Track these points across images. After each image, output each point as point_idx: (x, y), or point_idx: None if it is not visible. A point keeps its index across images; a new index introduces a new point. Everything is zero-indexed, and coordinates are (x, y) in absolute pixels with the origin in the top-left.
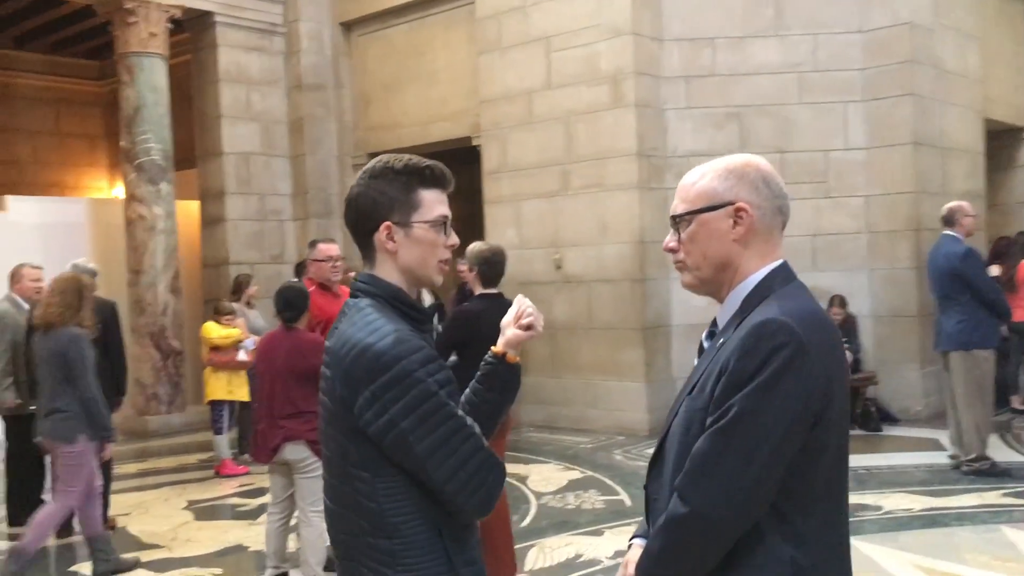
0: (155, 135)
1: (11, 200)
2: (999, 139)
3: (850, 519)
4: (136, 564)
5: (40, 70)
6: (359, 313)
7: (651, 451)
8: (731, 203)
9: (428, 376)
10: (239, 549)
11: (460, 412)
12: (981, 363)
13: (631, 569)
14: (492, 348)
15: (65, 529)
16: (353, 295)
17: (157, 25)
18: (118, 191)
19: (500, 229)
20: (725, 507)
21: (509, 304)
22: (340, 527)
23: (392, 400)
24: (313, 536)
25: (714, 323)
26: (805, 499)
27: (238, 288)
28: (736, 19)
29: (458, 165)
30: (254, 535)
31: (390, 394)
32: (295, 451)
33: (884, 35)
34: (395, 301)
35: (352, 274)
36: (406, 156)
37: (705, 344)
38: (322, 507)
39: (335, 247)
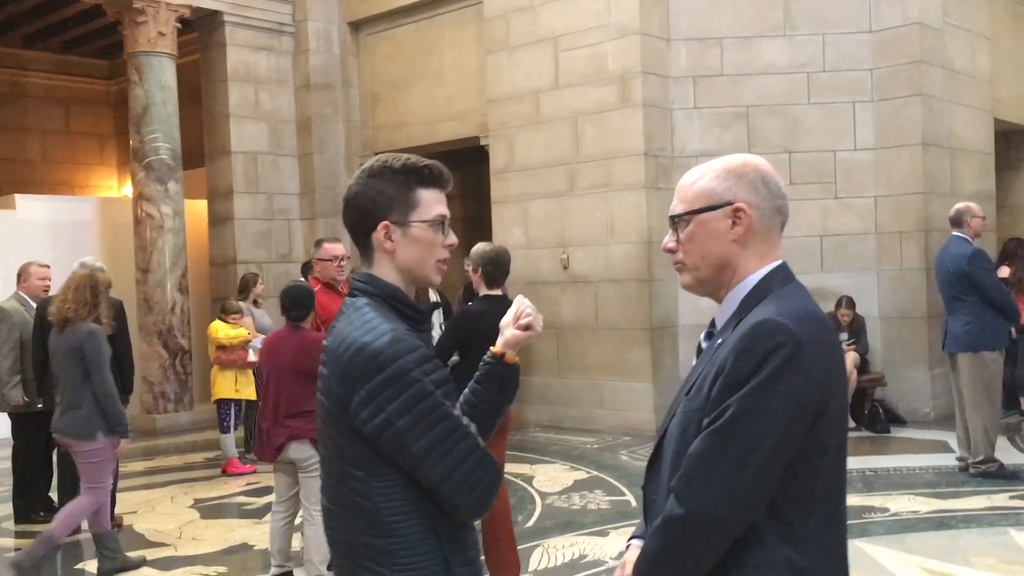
0: (164, 134)
1: (20, 199)
2: (1009, 140)
3: (857, 521)
4: (142, 562)
5: (50, 69)
6: (356, 312)
7: None
8: (730, 203)
9: (424, 375)
10: (245, 548)
11: (456, 412)
12: (989, 365)
13: (629, 569)
14: (491, 348)
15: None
16: (351, 294)
17: (166, 25)
18: (127, 190)
19: (507, 229)
20: (721, 508)
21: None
22: (337, 526)
23: (388, 399)
24: (317, 535)
25: (712, 323)
26: (805, 499)
27: (245, 287)
28: (744, 19)
29: (465, 165)
30: (260, 534)
31: (386, 393)
32: (300, 450)
33: (893, 35)
34: (393, 300)
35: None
36: (404, 155)
37: (703, 344)
38: None
39: (340, 246)
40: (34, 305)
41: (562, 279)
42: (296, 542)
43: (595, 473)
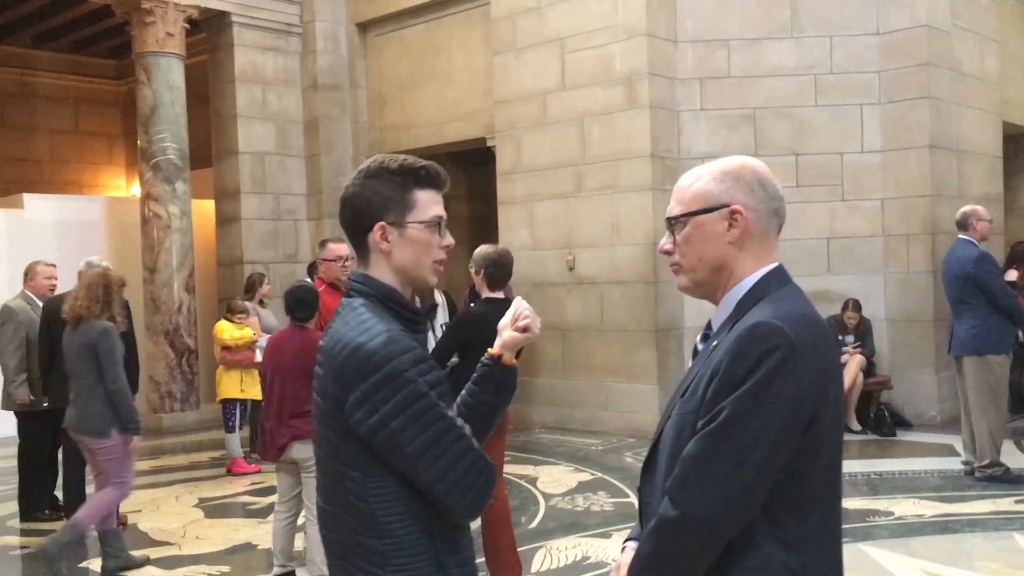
0: (171, 134)
1: (28, 198)
2: (1017, 143)
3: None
4: (146, 561)
5: (59, 69)
6: (352, 312)
7: None
8: (726, 205)
9: (419, 376)
10: (248, 547)
11: (451, 413)
12: (995, 368)
13: (623, 572)
14: (488, 350)
15: None
16: (347, 294)
17: (174, 25)
18: (135, 190)
19: (513, 230)
20: (715, 510)
21: None
22: (332, 526)
23: (382, 400)
24: (320, 535)
25: (709, 326)
26: (801, 502)
27: (251, 287)
28: (751, 20)
29: (472, 165)
30: (263, 533)
31: (380, 394)
32: (303, 450)
33: (901, 37)
34: (388, 301)
35: None
36: (401, 156)
37: (699, 346)
38: None
39: (345, 247)
40: (40, 304)
41: (568, 280)
42: (299, 542)
43: (599, 475)
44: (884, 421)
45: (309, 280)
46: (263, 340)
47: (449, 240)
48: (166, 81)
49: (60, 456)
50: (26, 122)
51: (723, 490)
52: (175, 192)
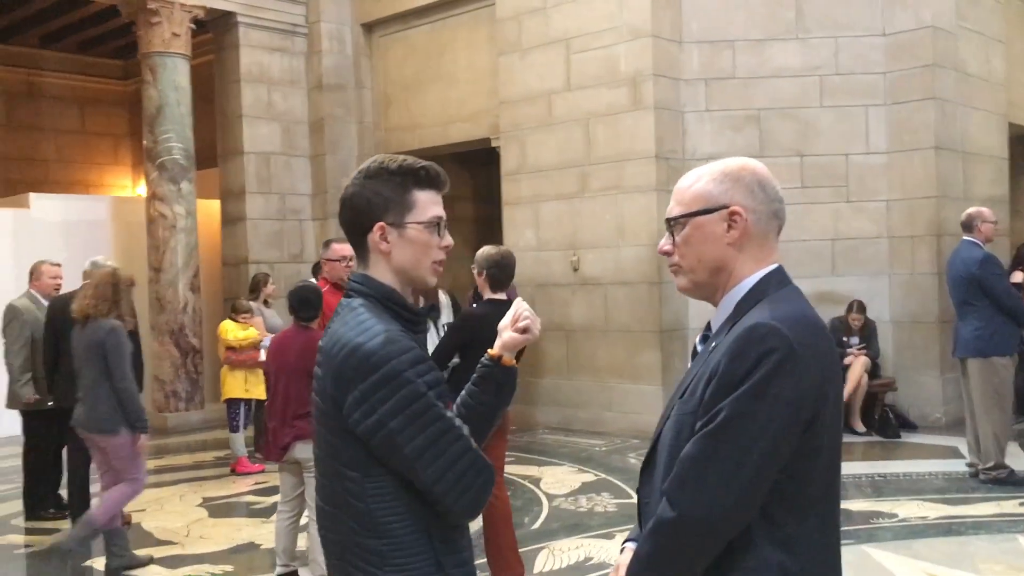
0: (177, 134)
1: (35, 198)
2: (1023, 144)
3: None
4: (149, 560)
5: (65, 69)
6: (351, 313)
7: None
8: (726, 207)
9: (417, 377)
10: (252, 547)
11: (449, 414)
12: (999, 370)
13: (622, 573)
14: (488, 351)
15: None
16: (347, 295)
17: (180, 25)
18: (141, 189)
19: (518, 230)
20: (713, 511)
21: None
22: (331, 526)
23: (381, 400)
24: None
25: (708, 327)
26: (799, 503)
27: (256, 287)
28: (756, 21)
29: (477, 166)
30: (267, 533)
31: (379, 394)
32: (305, 450)
33: (906, 38)
34: (388, 302)
35: None
36: (401, 156)
37: (699, 348)
38: None
39: (349, 247)
40: (45, 303)
41: (572, 281)
42: (302, 541)
43: (603, 476)
44: (888, 423)
45: (313, 280)
46: (267, 340)
47: (448, 241)
48: (172, 81)
49: (64, 455)
50: (32, 122)
51: (721, 491)
52: (180, 192)
